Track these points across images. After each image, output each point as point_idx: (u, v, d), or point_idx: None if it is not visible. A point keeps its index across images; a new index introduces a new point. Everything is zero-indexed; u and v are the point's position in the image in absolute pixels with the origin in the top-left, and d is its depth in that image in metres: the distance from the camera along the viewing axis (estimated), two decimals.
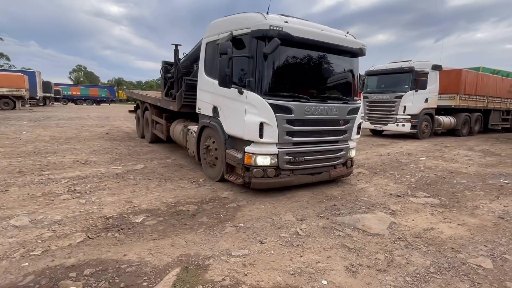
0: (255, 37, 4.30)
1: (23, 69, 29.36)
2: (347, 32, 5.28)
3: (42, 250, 2.88)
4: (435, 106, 13.19)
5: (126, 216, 3.82)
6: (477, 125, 15.93)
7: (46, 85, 30.95)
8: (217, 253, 2.96)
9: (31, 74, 26.10)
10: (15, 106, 22.76)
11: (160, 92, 8.61)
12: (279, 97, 4.43)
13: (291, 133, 4.54)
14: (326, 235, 3.42)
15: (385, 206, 4.45)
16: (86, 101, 41.06)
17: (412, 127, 12.31)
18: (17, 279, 2.44)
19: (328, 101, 4.89)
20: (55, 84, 35.68)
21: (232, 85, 4.48)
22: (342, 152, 5.27)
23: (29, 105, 26.57)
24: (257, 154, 4.45)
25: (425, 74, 12.17)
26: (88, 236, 3.22)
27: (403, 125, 12.34)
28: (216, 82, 5.10)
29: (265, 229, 3.53)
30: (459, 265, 2.89)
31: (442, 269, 2.81)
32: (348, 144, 5.36)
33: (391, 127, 12.77)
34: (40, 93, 28.39)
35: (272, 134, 4.39)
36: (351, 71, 5.28)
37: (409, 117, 12.20)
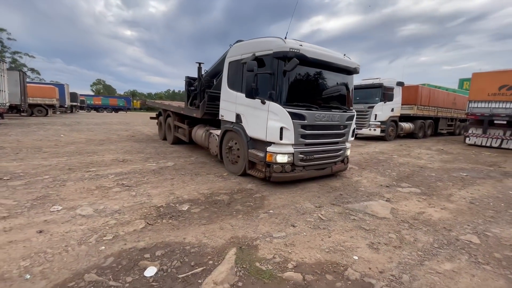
0: (276, 57, 4.30)
1: (52, 82, 28.29)
2: (344, 54, 5.34)
3: (112, 236, 2.78)
4: (399, 114, 13.51)
5: (173, 205, 3.73)
6: (430, 130, 16.41)
7: (73, 96, 29.96)
8: (260, 235, 2.93)
9: (60, 87, 25.20)
10: (47, 113, 21.93)
11: (180, 102, 8.50)
12: (295, 106, 4.43)
13: (304, 136, 4.55)
14: (344, 219, 3.44)
15: (380, 194, 4.52)
16: (107, 109, 39.91)
17: (381, 131, 12.58)
18: (99, 260, 2.34)
19: (332, 110, 4.93)
20: (80, 94, 34.58)
21: (256, 97, 4.46)
22: (341, 152, 5.32)
23: (59, 112, 25.64)
24: (277, 153, 4.44)
25: (391, 89, 12.46)
26: (148, 223, 3.12)
27: (374, 130, 12.61)
28: (239, 94, 5.11)
29: (293, 215, 3.52)
30: (454, 241, 2.96)
31: (443, 244, 2.87)
32: (345, 145, 5.42)
33: (364, 131, 13.00)
34: (68, 102, 27.46)
35: (289, 136, 4.39)
36: (348, 86, 5.35)
37: (379, 123, 12.47)
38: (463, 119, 19.55)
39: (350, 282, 2.19)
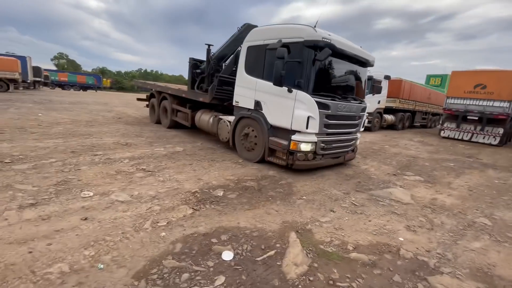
0: (307, 46, 4.32)
1: (8, 53, 25.12)
2: (360, 46, 5.50)
3: (166, 222, 2.73)
4: (384, 107, 14.30)
5: (206, 191, 3.71)
6: (408, 122, 17.64)
7: (36, 70, 26.83)
8: (308, 220, 3.07)
9: (22, 59, 22.40)
10: (8, 88, 19.61)
11: (175, 84, 8.12)
12: (320, 96, 4.54)
13: (327, 126, 4.70)
14: (374, 205, 3.71)
15: (393, 182, 4.90)
16: (74, 87, 36.51)
17: (368, 122, 13.26)
18: (168, 247, 2.32)
19: (351, 101, 5.13)
20: (44, 69, 31.23)
21: (284, 85, 4.48)
22: (354, 141, 5.61)
23: (22, 88, 23.02)
24: (301, 142, 4.55)
25: (380, 82, 13.05)
26: (194, 208, 3.10)
27: None
28: (260, 80, 5.08)
29: (327, 201, 3.70)
30: (473, 223, 3.37)
31: (466, 226, 3.26)
32: (357, 135, 5.70)
33: None
34: (31, 77, 24.67)
35: (315, 126, 4.51)
36: (363, 78, 5.56)
37: (367, 114, 13.11)
38: (435, 113, 21.31)
39: (407, 260, 2.44)
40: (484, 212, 3.79)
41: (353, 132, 5.48)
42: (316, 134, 4.64)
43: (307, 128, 4.46)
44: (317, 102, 4.41)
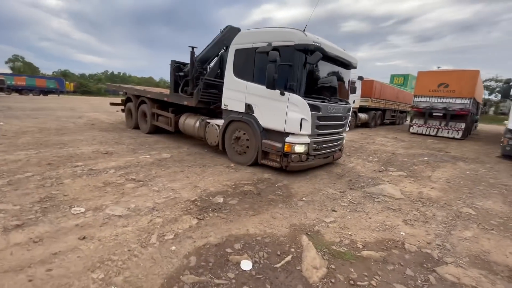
0: (298, 49, 4.39)
1: None
2: (343, 50, 5.72)
3: (173, 234, 2.61)
4: (358, 106, 15.01)
5: (206, 198, 3.61)
6: (379, 120, 18.69)
7: None
8: (314, 221, 3.12)
9: None
10: None
11: (154, 88, 7.82)
12: (311, 98, 4.64)
13: (318, 127, 4.81)
14: (370, 202, 3.87)
15: (380, 178, 5.15)
16: (33, 91, 33.47)
17: None
18: (182, 262, 2.21)
19: (338, 102, 5.31)
20: None
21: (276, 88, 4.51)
22: (341, 141, 5.82)
23: None
24: (295, 144, 4.61)
25: (354, 83, 13.66)
26: (198, 218, 3.00)
27: None
28: (251, 83, 5.08)
29: (326, 201, 3.79)
30: (459, 214, 3.66)
31: (455, 217, 3.53)
32: (343, 135, 5.91)
33: None
34: None
35: (307, 127, 4.60)
36: (347, 79, 5.79)
37: None
38: (402, 110, 22.85)
39: (413, 254, 2.58)
40: (466, 202, 4.13)
41: (340, 132, 5.68)
42: (308, 135, 4.73)
43: (300, 130, 4.53)
44: (309, 104, 4.50)
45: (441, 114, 13.20)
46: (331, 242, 2.66)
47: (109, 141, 7.10)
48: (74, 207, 3.05)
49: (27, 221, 2.68)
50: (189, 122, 6.98)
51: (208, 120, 6.33)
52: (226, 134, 5.73)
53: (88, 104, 22.33)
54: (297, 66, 4.46)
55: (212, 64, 6.98)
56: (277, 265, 2.23)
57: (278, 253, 2.40)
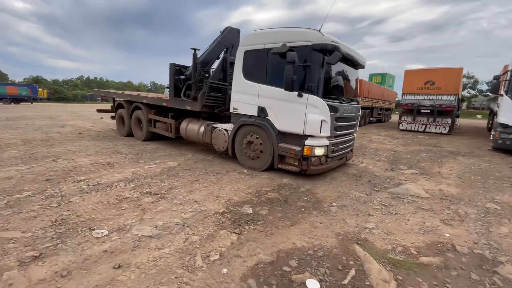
0: (315, 49, 4.28)
1: None
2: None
3: (218, 254, 2.36)
4: None
5: (234, 209, 3.37)
6: (368, 118, 19.15)
7: None
8: (356, 228, 2.98)
9: None
10: None
11: (149, 93, 7.43)
12: (329, 99, 4.54)
13: (336, 128, 4.72)
14: (400, 203, 3.80)
15: (396, 178, 5.14)
16: (3, 100, 31.08)
17: None
18: (242, 286, 1.98)
19: (351, 102, 5.25)
20: None
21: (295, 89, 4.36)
22: (352, 141, 5.77)
23: None
24: (315, 146, 4.48)
25: None
26: (235, 232, 2.77)
27: None
28: (263, 85, 4.91)
29: (358, 205, 3.67)
30: (487, 210, 3.68)
31: (486, 213, 3.54)
32: (354, 135, 5.88)
33: None
34: None
35: (327, 129, 4.49)
36: (356, 79, 5.76)
37: None
38: (387, 108, 23.59)
39: (468, 256, 2.51)
40: (486, 197, 4.19)
41: (351, 132, 5.63)
42: (327, 137, 4.62)
43: (320, 132, 4.41)
44: (329, 105, 4.40)
45: (428, 111, 13.71)
46: (385, 251, 2.53)
47: (105, 150, 6.62)
48: (94, 229, 2.72)
49: (45, 250, 2.33)
50: (192, 128, 6.67)
51: (214, 125, 6.06)
52: (236, 139, 5.50)
53: (67, 112, 21.08)
54: (314, 67, 4.34)
55: (214, 66, 6.73)
56: (345, 282, 2.05)
57: (339, 267, 2.23)
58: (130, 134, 8.90)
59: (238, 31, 7.10)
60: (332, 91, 4.81)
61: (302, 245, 2.58)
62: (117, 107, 9.41)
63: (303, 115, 4.44)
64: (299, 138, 4.59)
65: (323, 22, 4.45)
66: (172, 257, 2.31)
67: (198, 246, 2.49)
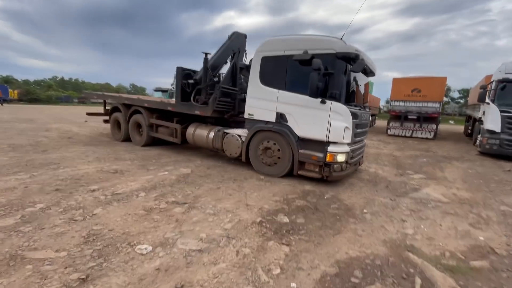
0: (339, 57, 4.35)
1: None
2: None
3: (278, 267, 2.29)
4: None
5: (270, 218, 3.30)
6: None
7: None
8: (399, 235, 3.02)
9: None
10: None
11: (148, 96, 7.17)
12: (349, 106, 4.62)
13: (355, 134, 4.81)
14: (426, 208, 3.92)
15: (409, 183, 5.31)
16: None
17: None
18: None
19: (366, 109, 5.39)
20: None
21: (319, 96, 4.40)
22: (364, 147, 5.90)
23: None
24: (337, 153, 4.53)
25: None
26: (283, 243, 2.70)
27: None
28: (282, 91, 4.91)
29: (388, 211, 3.73)
30: (504, 213, 3.89)
31: (505, 216, 3.74)
32: (365, 142, 6.02)
33: None
34: None
35: (349, 136, 4.56)
36: (367, 85, 5.93)
37: None
38: (372, 114, 24.52)
39: (508, 258, 2.63)
40: (497, 201, 4.44)
41: (363, 138, 5.77)
42: (348, 144, 4.70)
43: (343, 138, 4.47)
44: (352, 112, 4.48)
45: (415, 117, 14.43)
46: (436, 257, 2.58)
47: (106, 157, 6.26)
48: (135, 244, 2.53)
49: (91, 271, 2.12)
50: (201, 133, 6.49)
51: (226, 130, 5.94)
52: (250, 145, 5.43)
53: (45, 115, 19.74)
54: (338, 74, 4.41)
55: (222, 71, 6.65)
56: None
57: (404, 276, 2.24)
58: (127, 139, 8.49)
59: (245, 36, 7.07)
60: (351, 98, 4.91)
61: (356, 255, 2.56)
62: (112, 110, 8.95)
63: (326, 122, 4.47)
64: (321, 145, 4.62)
65: (347, 29, 4.53)
66: (232, 272, 2.19)
67: (253, 259, 2.40)
